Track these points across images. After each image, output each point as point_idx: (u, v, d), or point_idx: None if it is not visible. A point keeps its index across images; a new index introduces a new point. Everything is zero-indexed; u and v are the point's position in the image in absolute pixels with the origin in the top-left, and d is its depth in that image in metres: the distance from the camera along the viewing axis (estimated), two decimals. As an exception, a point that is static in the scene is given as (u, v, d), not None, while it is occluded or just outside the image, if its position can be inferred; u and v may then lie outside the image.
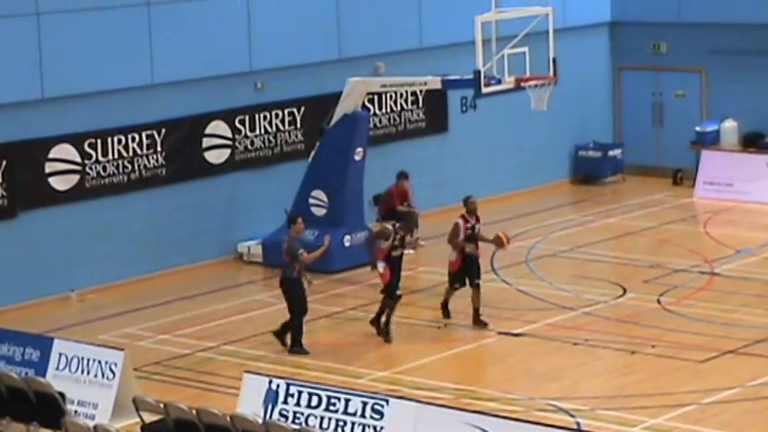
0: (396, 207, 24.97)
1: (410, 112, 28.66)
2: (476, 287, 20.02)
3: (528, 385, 17.98)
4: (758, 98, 29.66)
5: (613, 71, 32.05)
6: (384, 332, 19.99)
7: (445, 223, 25.73)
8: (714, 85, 30.52)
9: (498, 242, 20.65)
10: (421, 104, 28.52)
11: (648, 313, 20.87)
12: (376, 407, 15.97)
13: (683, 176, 29.89)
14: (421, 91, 27.43)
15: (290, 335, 19.89)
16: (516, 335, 20.04)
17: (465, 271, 20.42)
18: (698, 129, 29.95)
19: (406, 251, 22.68)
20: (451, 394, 17.89)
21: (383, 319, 20.11)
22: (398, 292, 20.13)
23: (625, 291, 21.94)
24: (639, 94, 31.68)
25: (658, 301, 21.30)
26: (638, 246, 25.51)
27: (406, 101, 28.33)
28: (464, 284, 20.46)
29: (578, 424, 15.97)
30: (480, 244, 20.91)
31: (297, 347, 19.72)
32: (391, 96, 27.75)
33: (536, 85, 23.85)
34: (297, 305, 20.07)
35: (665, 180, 30.12)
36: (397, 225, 20.49)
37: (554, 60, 23.75)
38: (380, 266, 20.02)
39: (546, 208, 28.94)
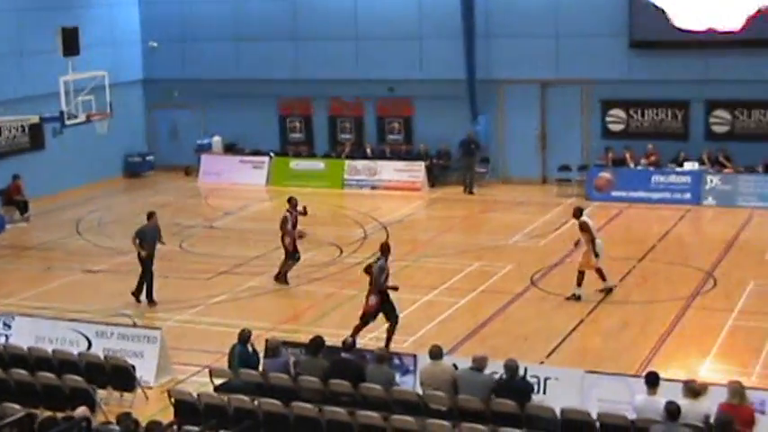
0: (14, 197, 29.13)
1: (20, 138, 31.39)
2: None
3: (101, 302, 20.49)
4: (244, 122, 33.60)
5: (147, 108, 36.08)
6: (284, 280, 21.87)
7: (42, 206, 29.16)
8: (208, 116, 35.14)
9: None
10: (27, 132, 31.38)
11: (174, 253, 23.87)
12: (7, 321, 17.66)
13: (191, 170, 34.20)
14: (27, 124, 30.19)
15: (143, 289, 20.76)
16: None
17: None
18: (198, 141, 34.32)
19: (21, 225, 27.71)
20: (57, 311, 19.82)
21: (282, 273, 21.80)
22: (297, 255, 21.86)
23: (162, 243, 22.40)
24: (161, 122, 35.83)
25: (180, 246, 24.70)
26: (167, 213, 27.34)
27: (17, 130, 31.09)
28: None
29: (135, 324, 17.75)
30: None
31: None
32: (8, 128, 30.38)
33: (100, 119, 26.68)
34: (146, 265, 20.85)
35: (180, 172, 34.53)
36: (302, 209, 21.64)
37: (110, 103, 26.74)
38: (288, 242, 21.50)
39: (104, 195, 32.20)
